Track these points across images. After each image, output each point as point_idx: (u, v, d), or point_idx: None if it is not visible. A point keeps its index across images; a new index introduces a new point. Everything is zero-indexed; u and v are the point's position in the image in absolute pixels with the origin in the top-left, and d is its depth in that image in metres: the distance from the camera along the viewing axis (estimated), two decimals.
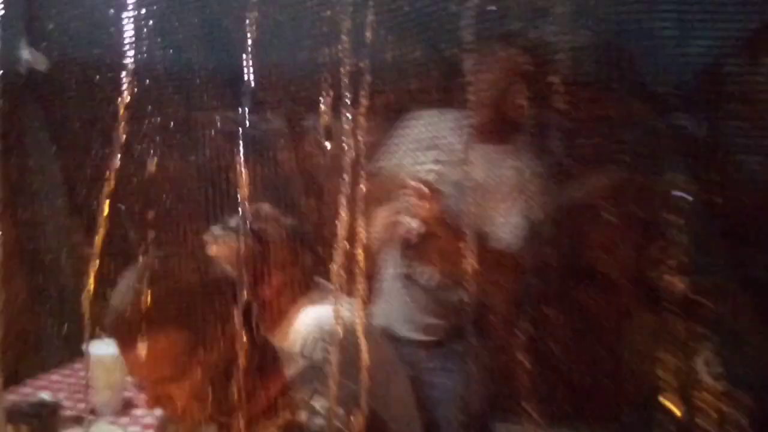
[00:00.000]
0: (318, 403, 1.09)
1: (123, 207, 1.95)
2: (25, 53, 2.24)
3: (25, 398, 1.88)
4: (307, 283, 1.61)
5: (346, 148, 0.77)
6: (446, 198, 1.68)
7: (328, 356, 1.35)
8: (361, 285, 0.92)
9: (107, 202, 0.76)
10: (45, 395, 1.91)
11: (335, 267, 0.89)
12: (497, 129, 1.74)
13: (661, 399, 1.07)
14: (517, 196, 1.68)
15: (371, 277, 1.91)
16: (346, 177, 0.82)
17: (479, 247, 1.28)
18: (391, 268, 1.94)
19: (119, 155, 0.96)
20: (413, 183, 1.68)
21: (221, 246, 1.54)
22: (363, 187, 0.83)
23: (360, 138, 0.80)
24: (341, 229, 0.93)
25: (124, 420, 1.88)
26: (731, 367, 1.80)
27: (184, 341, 1.03)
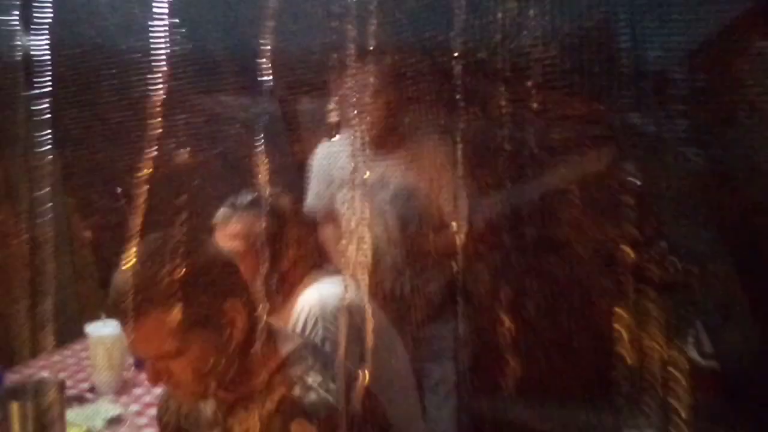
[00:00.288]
0: (311, 379, 1.12)
1: (120, 190, 1.98)
2: (22, 39, 2.26)
3: (27, 377, 1.91)
4: (312, 261, 1.63)
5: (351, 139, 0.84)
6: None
7: (329, 334, 1.39)
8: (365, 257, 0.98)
9: (145, 187, 0.79)
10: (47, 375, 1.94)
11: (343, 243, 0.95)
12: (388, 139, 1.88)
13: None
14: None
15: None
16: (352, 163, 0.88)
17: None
18: None
19: (153, 143, 0.98)
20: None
21: (233, 225, 1.57)
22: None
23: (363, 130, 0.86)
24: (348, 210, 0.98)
25: (125, 399, 1.91)
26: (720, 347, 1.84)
27: (183, 319, 1.05)
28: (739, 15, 1.09)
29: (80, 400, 1.90)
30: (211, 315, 1.09)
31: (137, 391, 1.95)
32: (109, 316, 1.58)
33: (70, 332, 2.30)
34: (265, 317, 1.26)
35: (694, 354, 2.00)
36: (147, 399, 1.89)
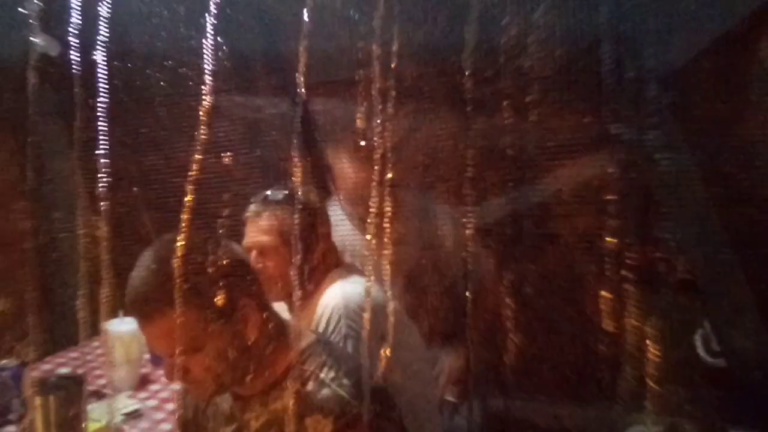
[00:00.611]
0: (325, 375, 1.15)
1: (136, 189, 2.01)
2: (38, 39, 2.28)
3: (47, 373, 1.95)
4: (336, 258, 1.66)
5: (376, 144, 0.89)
6: None
7: (351, 332, 1.41)
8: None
9: (191, 189, 0.83)
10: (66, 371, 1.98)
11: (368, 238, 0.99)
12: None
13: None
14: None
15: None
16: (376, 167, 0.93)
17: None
18: None
19: (199, 147, 1.01)
20: None
21: (264, 219, 1.60)
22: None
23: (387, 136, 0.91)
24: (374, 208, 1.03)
25: (142, 394, 1.95)
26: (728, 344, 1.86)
27: (199, 318, 1.08)
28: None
29: (98, 395, 1.92)
30: (225, 313, 1.11)
31: (154, 386, 1.99)
32: (127, 314, 1.62)
33: (87, 329, 2.34)
34: (278, 313, 1.29)
35: (702, 352, 2.02)
36: (164, 394, 1.93)
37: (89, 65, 1.02)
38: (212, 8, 0.73)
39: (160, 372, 1.99)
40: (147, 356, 2.10)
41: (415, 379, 1.65)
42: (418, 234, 2.02)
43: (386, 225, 1.01)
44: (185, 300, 1.07)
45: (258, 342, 1.16)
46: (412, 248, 2.00)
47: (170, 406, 1.84)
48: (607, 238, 1.19)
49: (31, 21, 2.01)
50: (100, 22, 0.91)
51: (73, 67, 1.03)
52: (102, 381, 2.02)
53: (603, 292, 1.19)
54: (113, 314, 1.97)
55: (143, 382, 2.01)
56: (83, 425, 1.60)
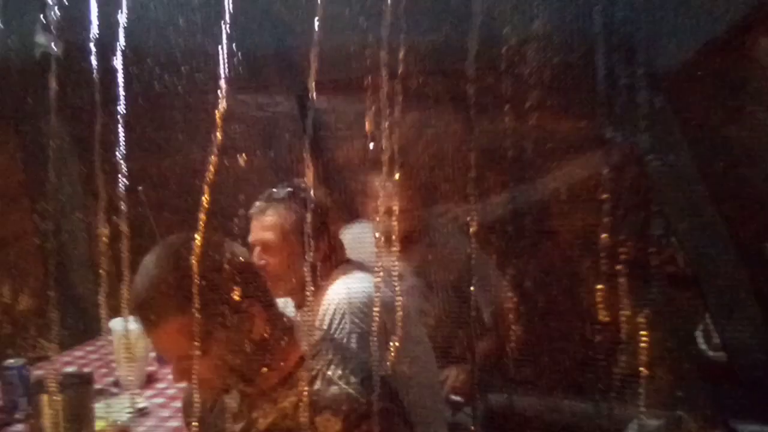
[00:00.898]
0: (332, 373, 1.16)
1: (141, 188, 2.02)
2: (40, 37, 2.28)
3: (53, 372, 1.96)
4: (340, 256, 1.67)
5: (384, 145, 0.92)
6: None
7: (355, 328, 1.42)
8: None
9: (207, 190, 0.84)
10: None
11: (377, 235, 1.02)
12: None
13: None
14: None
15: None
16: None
17: None
18: None
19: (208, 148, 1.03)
20: None
21: (268, 216, 1.60)
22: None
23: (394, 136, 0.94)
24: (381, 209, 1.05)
25: (148, 392, 1.96)
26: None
27: (204, 320, 1.07)
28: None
29: (104, 394, 1.94)
30: (231, 315, 1.11)
31: (160, 384, 2.00)
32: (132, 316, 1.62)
33: (93, 328, 2.35)
34: (283, 312, 1.30)
35: (703, 346, 2.03)
36: (170, 392, 1.94)
37: (107, 69, 1.03)
38: (227, 17, 0.74)
39: (167, 370, 2.00)
40: (153, 354, 2.11)
41: (422, 372, 1.66)
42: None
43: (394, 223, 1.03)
44: (189, 305, 1.06)
45: (265, 341, 1.16)
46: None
47: (177, 403, 1.85)
48: (604, 235, 1.23)
49: (39, 23, 2.02)
50: (118, 29, 0.92)
51: (92, 71, 1.05)
52: (109, 379, 2.04)
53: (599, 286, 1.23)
54: (119, 313, 1.98)
55: (150, 380, 2.02)
56: (90, 423, 1.62)
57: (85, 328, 2.32)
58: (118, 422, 1.75)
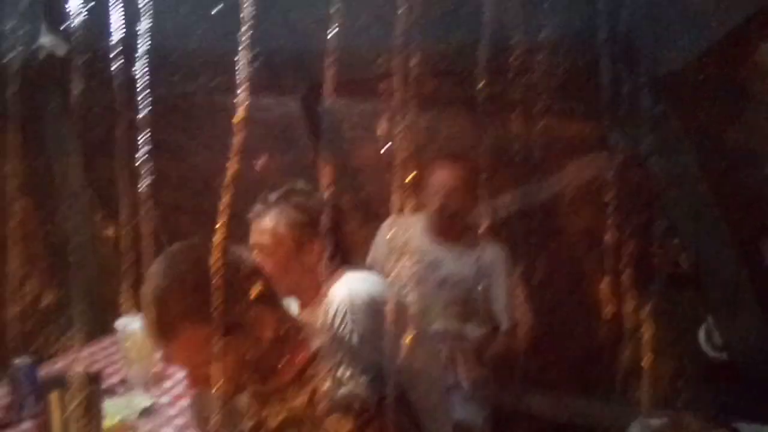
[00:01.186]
0: (340, 373, 1.17)
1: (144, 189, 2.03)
2: (45, 39, 2.28)
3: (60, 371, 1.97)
4: (342, 255, 1.67)
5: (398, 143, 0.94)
6: None
7: (357, 327, 1.43)
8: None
9: (229, 194, 0.84)
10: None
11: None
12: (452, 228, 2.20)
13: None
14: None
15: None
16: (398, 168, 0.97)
17: None
18: None
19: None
20: None
21: (265, 220, 1.61)
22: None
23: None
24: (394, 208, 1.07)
25: (155, 391, 1.96)
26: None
27: (215, 329, 1.04)
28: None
29: (111, 392, 1.95)
30: (241, 321, 1.11)
31: (167, 383, 2.01)
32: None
33: (100, 327, 2.36)
34: (294, 313, 1.31)
35: (705, 346, 2.05)
36: (177, 391, 1.95)
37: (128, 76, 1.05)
38: (248, 23, 0.76)
39: (173, 369, 2.02)
40: (159, 353, 2.11)
41: (428, 369, 1.68)
42: None
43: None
44: (199, 314, 1.05)
45: (274, 343, 1.17)
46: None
47: (183, 402, 1.86)
48: (609, 234, 1.27)
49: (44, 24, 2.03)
50: (140, 35, 0.94)
51: (115, 76, 1.06)
52: (116, 378, 2.05)
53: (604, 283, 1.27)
54: (126, 312, 1.99)
55: (156, 378, 2.03)
56: (98, 422, 1.63)
57: (90, 329, 2.33)
58: (126, 421, 1.77)
